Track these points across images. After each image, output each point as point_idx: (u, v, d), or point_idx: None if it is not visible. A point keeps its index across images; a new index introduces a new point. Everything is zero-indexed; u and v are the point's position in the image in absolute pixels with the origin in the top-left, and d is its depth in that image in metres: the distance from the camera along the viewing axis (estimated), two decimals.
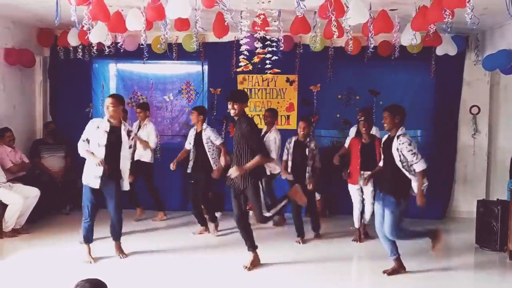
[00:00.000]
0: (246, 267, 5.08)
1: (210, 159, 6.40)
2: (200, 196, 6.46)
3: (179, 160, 6.65)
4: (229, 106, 5.02)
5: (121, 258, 5.40)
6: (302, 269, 5.20)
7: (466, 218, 7.41)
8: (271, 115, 6.69)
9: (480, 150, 7.71)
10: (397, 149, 4.74)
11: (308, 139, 6.24)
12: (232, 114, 5.06)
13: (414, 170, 4.72)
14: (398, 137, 4.77)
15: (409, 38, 5.83)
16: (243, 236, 5.22)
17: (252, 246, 5.20)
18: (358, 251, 5.96)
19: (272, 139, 6.48)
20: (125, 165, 5.27)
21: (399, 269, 5.01)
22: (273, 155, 6.36)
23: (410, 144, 4.70)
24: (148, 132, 7.13)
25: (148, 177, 7.12)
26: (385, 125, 4.92)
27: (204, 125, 6.48)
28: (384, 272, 4.99)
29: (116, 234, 5.47)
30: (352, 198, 6.25)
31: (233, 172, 4.99)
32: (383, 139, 5.13)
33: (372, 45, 5.97)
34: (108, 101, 5.21)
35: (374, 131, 6.35)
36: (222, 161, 6.20)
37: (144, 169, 7.01)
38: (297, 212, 6.23)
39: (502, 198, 6.16)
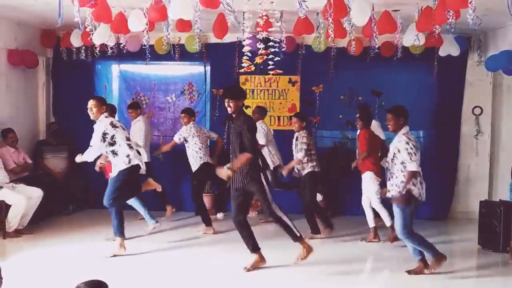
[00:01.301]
0: (246, 268, 5.00)
1: (189, 157, 6.62)
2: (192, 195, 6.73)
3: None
4: (225, 104, 4.99)
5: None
6: (306, 270, 5.20)
7: (468, 219, 7.39)
8: (259, 111, 7.10)
9: (483, 150, 7.70)
10: (395, 146, 4.80)
11: (299, 133, 6.27)
12: (229, 111, 5.02)
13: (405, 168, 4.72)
14: (399, 136, 4.82)
15: (412, 39, 5.83)
16: (243, 238, 5.10)
17: (253, 248, 5.05)
18: (361, 252, 5.94)
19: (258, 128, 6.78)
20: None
21: (421, 270, 4.97)
22: (261, 141, 6.68)
23: (407, 143, 4.72)
24: (137, 129, 7.09)
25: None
26: (389, 126, 4.96)
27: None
28: (407, 271, 4.98)
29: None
30: None
31: (221, 172, 4.87)
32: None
33: (377, 46, 5.98)
34: (91, 103, 5.43)
35: (375, 125, 6.39)
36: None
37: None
38: (309, 208, 6.31)
39: (505, 198, 6.15)
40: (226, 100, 4.95)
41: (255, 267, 5.02)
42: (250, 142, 4.85)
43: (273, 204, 4.99)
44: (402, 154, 4.72)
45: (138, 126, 7.08)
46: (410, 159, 4.69)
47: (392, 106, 5.08)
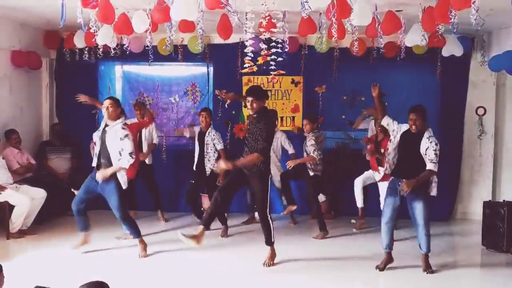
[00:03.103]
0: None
1: (207, 161, 6.55)
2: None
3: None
4: (248, 103, 5.01)
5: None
6: (305, 267, 5.21)
7: (472, 220, 7.38)
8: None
9: (486, 151, 7.67)
10: (427, 148, 4.93)
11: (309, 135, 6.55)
12: (250, 112, 5.05)
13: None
14: (429, 138, 4.96)
15: (415, 39, 5.82)
16: (209, 214, 5.12)
17: (205, 224, 5.06)
18: (363, 251, 5.93)
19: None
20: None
21: (389, 261, 5.24)
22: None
23: (437, 144, 4.92)
24: (151, 130, 7.16)
25: (149, 177, 7.15)
26: (413, 127, 5.01)
27: (211, 128, 6.62)
28: (377, 267, 5.21)
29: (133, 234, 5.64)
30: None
31: (220, 164, 5.00)
32: (400, 133, 5.15)
33: (382, 45, 5.98)
34: (108, 102, 5.35)
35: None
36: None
37: (145, 170, 7.01)
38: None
39: (509, 199, 6.13)
40: (251, 99, 4.97)
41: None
42: (263, 142, 4.93)
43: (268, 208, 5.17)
44: (430, 154, 4.90)
45: (149, 129, 7.14)
46: (435, 159, 4.89)
47: (416, 106, 5.11)
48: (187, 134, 7.09)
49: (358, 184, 6.74)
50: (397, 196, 5.05)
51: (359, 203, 6.76)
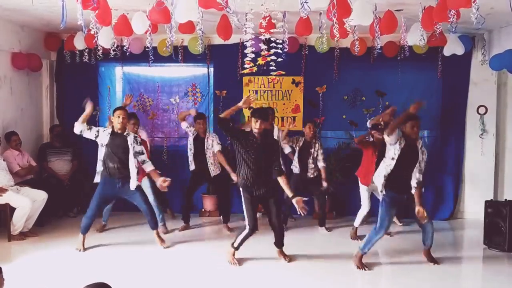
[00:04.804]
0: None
1: (210, 164, 6.68)
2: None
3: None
4: (257, 124, 5.09)
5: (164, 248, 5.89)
6: (304, 266, 5.20)
7: (474, 219, 7.36)
8: (273, 113, 7.07)
9: (488, 150, 7.66)
10: (421, 159, 5.04)
11: (314, 140, 6.63)
12: (257, 131, 5.12)
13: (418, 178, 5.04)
14: (422, 148, 5.07)
15: (416, 39, 5.81)
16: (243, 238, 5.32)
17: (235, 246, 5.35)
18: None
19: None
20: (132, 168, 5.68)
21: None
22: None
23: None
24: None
25: None
26: (414, 136, 5.03)
27: (209, 133, 6.79)
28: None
29: (151, 224, 5.94)
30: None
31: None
32: (400, 145, 5.08)
33: (379, 46, 5.97)
34: (122, 113, 5.65)
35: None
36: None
37: None
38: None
39: (510, 198, 6.11)
40: (260, 121, 5.10)
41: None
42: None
43: None
44: (422, 166, 5.03)
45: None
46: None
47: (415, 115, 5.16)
48: (193, 112, 6.92)
49: (365, 205, 6.34)
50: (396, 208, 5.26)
51: (357, 222, 6.40)
